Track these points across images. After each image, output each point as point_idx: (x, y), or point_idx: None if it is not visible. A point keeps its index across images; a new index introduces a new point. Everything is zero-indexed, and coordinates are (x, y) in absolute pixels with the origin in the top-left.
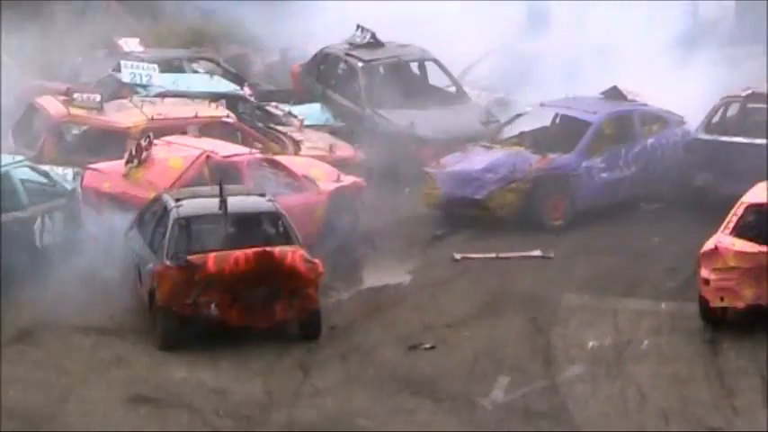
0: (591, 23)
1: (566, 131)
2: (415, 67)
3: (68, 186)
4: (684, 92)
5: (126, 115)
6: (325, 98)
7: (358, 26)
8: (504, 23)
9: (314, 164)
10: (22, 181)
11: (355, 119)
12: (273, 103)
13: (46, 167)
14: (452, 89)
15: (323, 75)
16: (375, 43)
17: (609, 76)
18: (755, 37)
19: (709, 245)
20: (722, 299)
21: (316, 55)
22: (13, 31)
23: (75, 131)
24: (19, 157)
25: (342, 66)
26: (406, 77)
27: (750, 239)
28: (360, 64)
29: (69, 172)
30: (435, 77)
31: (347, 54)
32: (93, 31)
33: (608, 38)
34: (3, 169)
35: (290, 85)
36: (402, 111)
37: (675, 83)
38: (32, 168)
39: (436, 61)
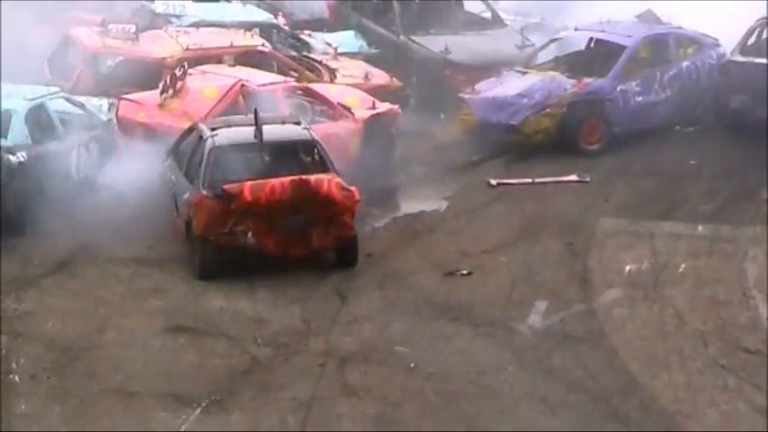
0: None
1: (601, 55)
2: None
3: (104, 117)
4: (720, 13)
5: (161, 46)
6: (360, 27)
7: None
8: None
9: (349, 91)
10: (58, 112)
11: (391, 46)
12: (307, 32)
13: (82, 98)
14: (488, 14)
15: (358, 3)
16: None
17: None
18: None
19: None
20: None
21: None
22: None
23: (109, 63)
24: (54, 89)
25: None
26: (441, 4)
27: None
28: None
29: (104, 103)
30: (470, 3)
31: None
32: None
33: None
34: (38, 101)
35: (323, 14)
36: (437, 37)
37: (711, 4)
38: (68, 100)
39: None
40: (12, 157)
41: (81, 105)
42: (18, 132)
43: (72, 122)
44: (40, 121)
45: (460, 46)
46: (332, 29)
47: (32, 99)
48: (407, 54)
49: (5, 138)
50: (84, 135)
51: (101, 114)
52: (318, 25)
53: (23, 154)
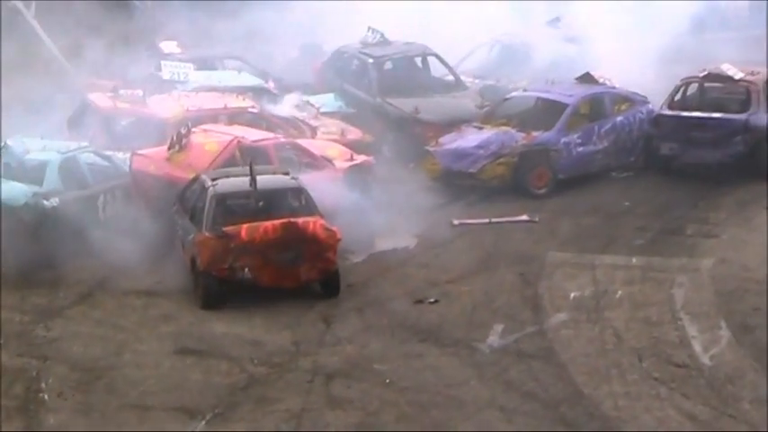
0: (569, 18)
1: (546, 112)
2: (418, 61)
3: (127, 168)
4: (648, 74)
5: (165, 107)
6: (342, 90)
7: (369, 27)
8: (492, 19)
9: (330, 145)
10: (88, 164)
11: (368, 107)
12: (294, 94)
13: (108, 152)
14: (451, 78)
15: (340, 70)
16: (384, 42)
17: (583, 64)
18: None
19: None
20: None
21: (333, 53)
22: (67, 34)
23: (122, 123)
24: (84, 143)
25: (356, 62)
26: (411, 70)
27: None
28: (370, 60)
29: (128, 156)
30: (436, 69)
31: (360, 52)
32: (136, 34)
33: (584, 30)
34: (70, 154)
35: (309, 79)
36: (408, 99)
37: (637, 65)
38: (96, 153)
39: (437, 55)
40: (46, 202)
41: (107, 158)
42: (52, 181)
43: (99, 172)
44: (71, 171)
45: (428, 106)
46: (317, 92)
47: (65, 152)
48: (383, 113)
49: (41, 185)
50: (109, 183)
51: (125, 166)
52: (304, 89)
53: (56, 199)
